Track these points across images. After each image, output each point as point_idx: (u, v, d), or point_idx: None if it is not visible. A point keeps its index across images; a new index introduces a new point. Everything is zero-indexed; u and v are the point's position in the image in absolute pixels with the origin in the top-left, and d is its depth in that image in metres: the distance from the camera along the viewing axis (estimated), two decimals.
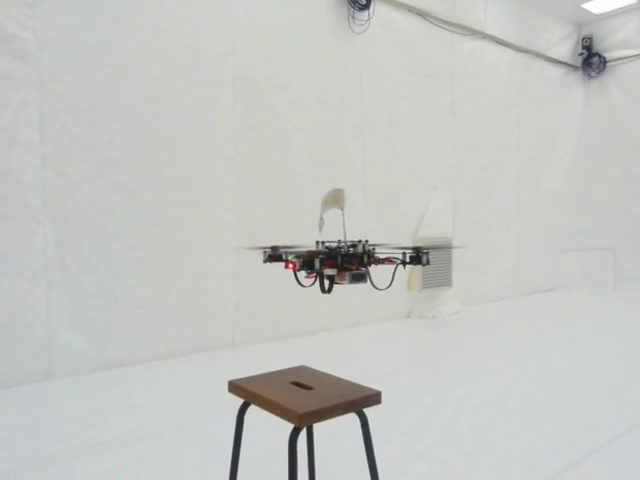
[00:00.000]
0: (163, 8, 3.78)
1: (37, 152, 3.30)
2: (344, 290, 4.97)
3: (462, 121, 6.02)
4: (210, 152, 4.06)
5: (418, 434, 2.48)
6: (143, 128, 3.72)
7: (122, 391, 3.16)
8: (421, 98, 5.56)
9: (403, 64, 5.38)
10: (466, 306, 6.00)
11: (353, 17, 4.89)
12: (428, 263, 1.42)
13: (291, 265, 1.43)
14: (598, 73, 7.46)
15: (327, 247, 1.48)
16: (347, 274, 1.40)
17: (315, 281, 1.47)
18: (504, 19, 6.42)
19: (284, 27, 4.47)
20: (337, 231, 1.57)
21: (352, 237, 1.49)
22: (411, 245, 1.47)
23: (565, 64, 7.41)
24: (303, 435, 1.54)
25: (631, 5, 6.96)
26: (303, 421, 1.26)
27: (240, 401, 1.52)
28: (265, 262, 1.56)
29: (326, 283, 1.47)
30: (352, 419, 1.41)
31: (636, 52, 7.12)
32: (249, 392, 1.45)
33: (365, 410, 1.41)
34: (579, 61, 7.54)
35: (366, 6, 4.88)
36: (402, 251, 1.45)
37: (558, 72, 7.34)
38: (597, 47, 7.43)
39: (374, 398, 1.41)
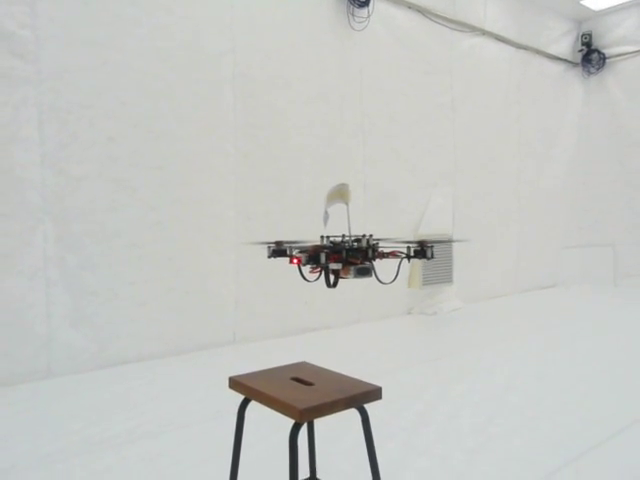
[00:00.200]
0: (163, 6, 3.78)
1: (37, 150, 3.30)
2: (345, 287, 4.97)
3: (462, 118, 6.01)
4: (210, 150, 4.06)
5: (419, 430, 2.48)
6: (143, 126, 3.72)
7: (123, 389, 3.16)
8: (421, 95, 5.56)
9: (403, 61, 5.37)
10: (467, 303, 6.00)
11: (353, 14, 4.88)
12: (433, 257, 1.42)
13: (296, 260, 1.43)
14: (598, 69, 7.44)
15: (332, 242, 1.48)
16: (352, 268, 1.40)
17: (320, 276, 1.47)
18: (504, 16, 6.41)
19: (284, 24, 4.46)
20: (340, 226, 1.57)
21: (353, 234, 1.49)
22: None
23: (565, 61, 7.40)
24: (304, 431, 1.54)
25: (630, 1, 6.94)
26: (304, 417, 1.26)
27: (241, 398, 1.53)
28: (270, 257, 1.56)
29: (331, 278, 1.47)
30: (353, 415, 1.41)
31: (635, 48, 7.11)
32: (249, 388, 1.45)
33: (366, 406, 1.41)
34: (579, 58, 7.53)
35: (366, 3, 4.87)
36: (406, 245, 1.45)
37: (558, 69, 7.33)
38: (596, 43, 7.42)
39: (374, 394, 1.41)
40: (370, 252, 1.43)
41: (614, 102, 7.39)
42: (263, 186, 4.37)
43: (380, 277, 1.46)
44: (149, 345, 3.78)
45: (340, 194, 1.52)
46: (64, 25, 3.37)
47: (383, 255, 1.46)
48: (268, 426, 2.46)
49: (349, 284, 4.87)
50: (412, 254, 1.45)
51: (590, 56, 7.42)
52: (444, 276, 5.59)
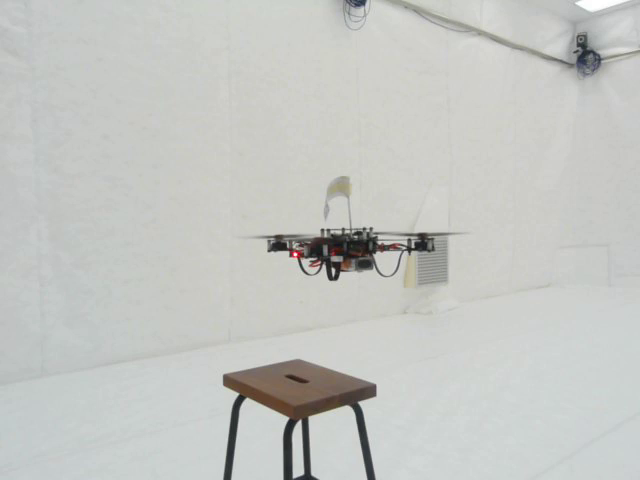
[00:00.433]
0: (158, 3, 3.77)
1: (30, 147, 3.28)
2: (340, 286, 4.99)
3: (458, 118, 6.02)
4: (205, 148, 4.05)
5: (414, 428, 2.48)
6: (138, 123, 3.70)
7: (117, 387, 3.15)
8: (417, 95, 5.56)
9: (399, 61, 5.37)
10: (462, 302, 6.01)
11: (349, 13, 4.88)
12: (433, 249, 1.43)
13: (296, 254, 1.43)
14: (593, 70, 7.47)
15: (332, 235, 1.48)
16: (353, 261, 1.40)
17: (320, 269, 1.47)
18: (500, 16, 6.43)
19: (280, 22, 4.45)
20: (336, 220, 1.57)
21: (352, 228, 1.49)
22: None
23: (560, 61, 7.43)
24: (299, 429, 1.54)
25: (625, 3, 6.98)
26: (298, 414, 1.26)
27: (236, 396, 1.52)
28: (270, 251, 1.55)
29: (332, 271, 1.47)
30: (348, 413, 1.41)
31: (630, 50, 7.15)
32: (244, 386, 1.45)
33: (361, 405, 1.41)
34: (574, 58, 7.56)
35: (362, 2, 4.87)
36: (407, 238, 1.45)
37: (553, 69, 7.36)
38: (592, 45, 7.46)
39: (369, 391, 1.41)
40: (371, 245, 1.43)
41: (609, 103, 7.42)
42: (259, 185, 4.36)
43: (380, 271, 1.47)
44: (144, 344, 3.77)
45: (341, 187, 1.51)
46: (58, 22, 3.36)
47: (384, 248, 1.46)
48: (263, 424, 2.46)
49: (344, 283, 4.89)
50: (413, 246, 1.45)
51: (585, 57, 7.45)
52: (439, 275, 5.60)
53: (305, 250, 1.41)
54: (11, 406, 2.84)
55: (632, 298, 6.42)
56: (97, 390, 3.10)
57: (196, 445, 2.32)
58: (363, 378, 1.49)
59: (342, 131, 4.91)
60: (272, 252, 1.55)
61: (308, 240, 1.45)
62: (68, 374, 3.40)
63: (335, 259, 1.41)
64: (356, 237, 1.44)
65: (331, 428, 2.44)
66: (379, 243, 1.45)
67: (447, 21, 5.78)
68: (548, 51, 7.20)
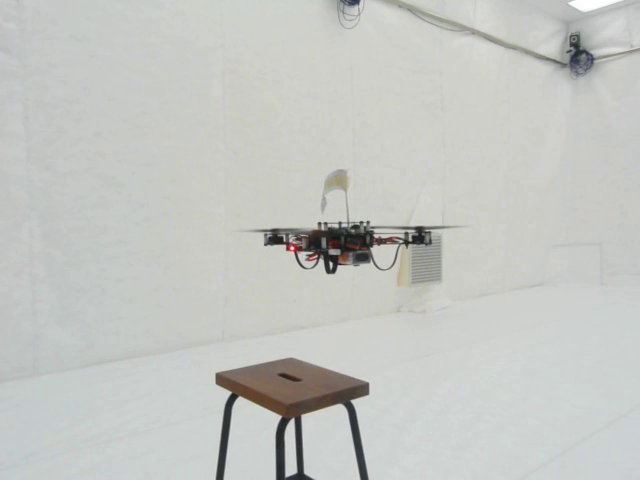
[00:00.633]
0: (151, 1, 3.74)
1: (22, 145, 3.26)
2: (334, 285, 4.99)
3: (451, 117, 6.04)
4: (199, 146, 4.03)
5: (407, 427, 2.49)
6: (131, 121, 3.68)
7: (110, 387, 3.13)
8: (411, 94, 5.57)
9: (393, 59, 5.38)
10: (455, 301, 6.03)
11: (343, 12, 4.88)
12: (430, 242, 1.43)
13: (292, 247, 1.43)
14: (585, 70, 7.52)
15: (329, 228, 1.48)
16: (351, 254, 1.40)
17: (317, 263, 1.47)
18: (493, 16, 6.45)
19: (274, 21, 4.44)
20: (334, 214, 1.57)
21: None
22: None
23: (553, 61, 7.46)
24: (292, 427, 1.54)
25: (618, 3, 7.02)
26: (290, 412, 1.26)
27: (229, 395, 1.52)
28: (266, 245, 1.55)
29: (330, 264, 1.47)
30: (341, 412, 1.41)
31: (622, 50, 7.19)
32: (236, 384, 1.45)
33: (354, 403, 1.41)
34: (567, 58, 7.60)
35: (356, 1, 4.87)
36: (404, 231, 1.45)
37: (546, 69, 7.39)
38: (584, 44, 7.49)
39: (362, 389, 1.41)
40: (368, 238, 1.43)
41: (601, 103, 7.46)
42: (253, 183, 4.35)
43: (377, 264, 1.47)
44: (137, 342, 3.76)
45: (338, 180, 1.51)
46: (51, 19, 3.33)
47: (381, 241, 1.46)
48: (256, 422, 2.46)
49: (338, 282, 4.89)
50: (410, 240, 1.45)
51: (578, 57, 7.49)
52: (433, 274, 5.62)
53: (304, 242, 1.40)
54: (2, 405, 2.83)
55: (624, 297, 6.47)
56: (89, 389, 3.09)
57: (189, 444, 2.31)
58: (357, 376, 1.49)
59: (336, 129, 4.91)
60: (268, 247, 1.55)
61: (305, 233, 1.45)
62: (60, 373, 3.39)
63: (332, 252, 1.41)
64: (353, 231, 1.44)
65: (324, 426, 2.44)
66: (376, 236, 1.45)
67: (441, 20, 5.79)
68: (541, 51, 7.23)
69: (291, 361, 1.68)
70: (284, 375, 1.50)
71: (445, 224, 5.89)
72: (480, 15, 6.26)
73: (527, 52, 6.99)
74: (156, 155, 3.81)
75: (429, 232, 1.43)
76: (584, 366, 3.50)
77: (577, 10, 7.21)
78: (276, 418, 1.29)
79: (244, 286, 4.32)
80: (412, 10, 5.49)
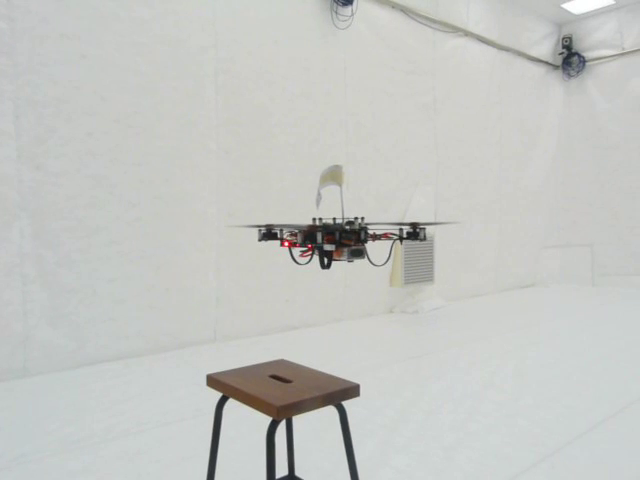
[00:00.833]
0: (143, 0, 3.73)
1: (12, 144, 3.23)
2: (326, 285, 4.98)
3: (444, 118, 6.06)
4: (191, 146, 4.02)
5: (398, 427, 2.49)
6: (123, 121, 3.67)
7: (101, 387, 3.12)
8: (404, 94, 5.59)
9: (386, 60, 5.39)
10: (447, 302, 6.06)
11: (337, 12, 4.88)
12: (425, 238, 1.43)
13: (286, 243, 1.43)
14: (577, 72, 7.57)
15: (324, 224, 1.48)
16: (345, 250, 1.40)
17: (311, 259, 1.47)
18: (486, 17, 6.48)
19: (267, 21, 4.44)
20: (328, 210, 1.57)
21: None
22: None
23: (545, 63, 7.51)
24: (283, 429, 1.54)
25: (610, 6, 7.08)
26: (281, 414, 1.26)
27: (219, 396, 1.52)
28: (260, 240, 1.55)
29: (324, 260, 1.47)
30: (332, 413, 1.42)
31: (614, 52, 7.25)
32: (227, 386, 1.45)
33: (346, 404, 1.42)
34: (559, 60, 7.65)
35: (349, 2, 4.87)
36: (399, 227, 1.46)
37: (539, 71, 7.43)
38: (577, 47, 7.55)
39: (353, 391, 1.42)
40: (363, 234, 1.43)
41: (593, 105, 7.52)
42: (245, 183, 4.35)
43: (371, 260, 1.47)
44: (129, 343, 3.74)
45: (333, 176, 1.51)
46: (41, 17, 3.31)
47: (376, 237, 1.47)
48: (247, 424, 2.45)
49: (330, 282, 4.89)
50: (404, 236, 1.46)
51: (570, 59, 7.54)
52: (425, 275, 5.63)
53: (299, 237, 1.41)
54: None
55: (615, 297, 6.52)
56: (81, 390, 3.07)
57: (180, 445, 2.31)
58: (348, 377, 1.49)
59: (329, 130, 4.92)
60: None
61: (299, 229, 1.45)
62: (51, 374, 3.36)
63: (327, 247, 1.42)
64: (348, 227, 1.45)
65: (315, 427, 2.44)
66: (371, 232, 1.46)
67: (434, 21, 5.81)
68: (534, 53, 7.28)
69: (282, 362, 1.68)
70: (275, 377, 1.50)
71: (437, 225, 5.91)
72: (473, 16, 6.29)
73: (520, 54, 7.03)
74: (148, 155, 3.80)
75: (423, 228, 1.44)
76: (575, 367, 3.53)
77: (569, 12, 7.26)
78: (266, 419, 1.29)
79: (236, 286, 4.31)
80: (405, 11, 5.51)
